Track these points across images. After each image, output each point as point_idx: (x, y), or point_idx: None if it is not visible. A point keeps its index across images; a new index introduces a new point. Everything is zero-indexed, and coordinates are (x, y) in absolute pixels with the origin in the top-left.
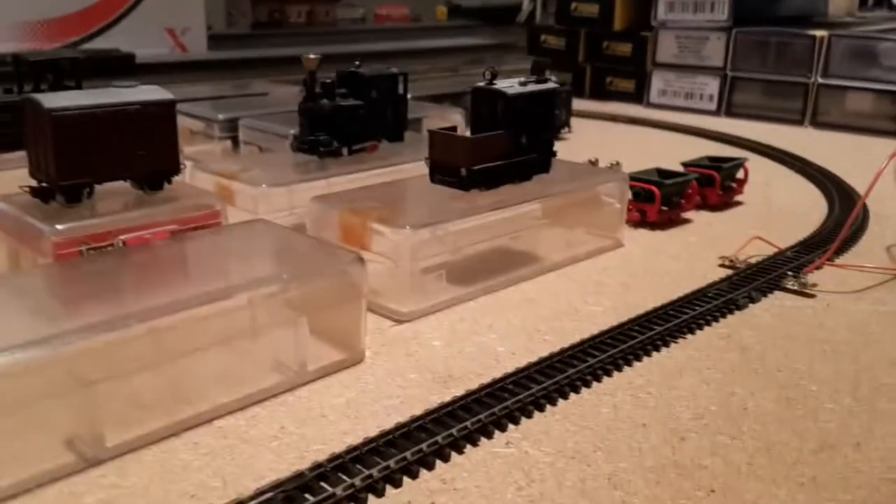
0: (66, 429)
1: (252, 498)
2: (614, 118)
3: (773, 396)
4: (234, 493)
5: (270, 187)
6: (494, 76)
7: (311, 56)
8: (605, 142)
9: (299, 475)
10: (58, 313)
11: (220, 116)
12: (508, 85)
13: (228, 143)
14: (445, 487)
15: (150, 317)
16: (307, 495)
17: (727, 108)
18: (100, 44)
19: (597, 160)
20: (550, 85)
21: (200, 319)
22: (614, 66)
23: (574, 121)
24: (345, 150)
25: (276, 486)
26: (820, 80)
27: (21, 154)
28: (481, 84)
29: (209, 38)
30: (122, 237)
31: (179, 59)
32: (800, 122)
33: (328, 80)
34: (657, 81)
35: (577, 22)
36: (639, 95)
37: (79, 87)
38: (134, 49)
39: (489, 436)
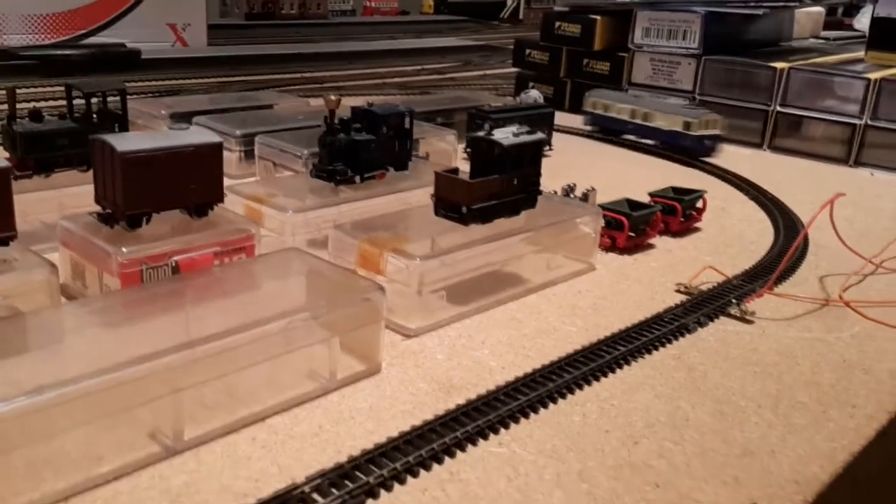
0: (152, 425)
1: (306, 483)
2: (591, 135)
3: (710, 410)
4: (289, 478)
5: (296, 213)
6: (493, 128)
7: (332, 97)
8: (583, 162)
9: (340, 466)
10: (141, 335)
11: (238, 132)
12: (504, 136)
13: (241, 154)
14: (452, 478)
15: (216, 339)
16: (347, 482)
17: None
18: (104, 37)
19: (574, 185)
20: (538, 136)
21: (253, 339)
22: (593, 82)
23: (555, 136)
24: (358, 178)
25: (322, 475)
26: (779, 108)
27: (70, 173)
28: (481, 134)
29: None
30: (174, 258)
31: (181, 54)
32: (759, 146)
33: (345, 118)
34: None
35: (560, 40)
36: None
37: (125, 113)
38: (137, 43)
39: (486, 437)
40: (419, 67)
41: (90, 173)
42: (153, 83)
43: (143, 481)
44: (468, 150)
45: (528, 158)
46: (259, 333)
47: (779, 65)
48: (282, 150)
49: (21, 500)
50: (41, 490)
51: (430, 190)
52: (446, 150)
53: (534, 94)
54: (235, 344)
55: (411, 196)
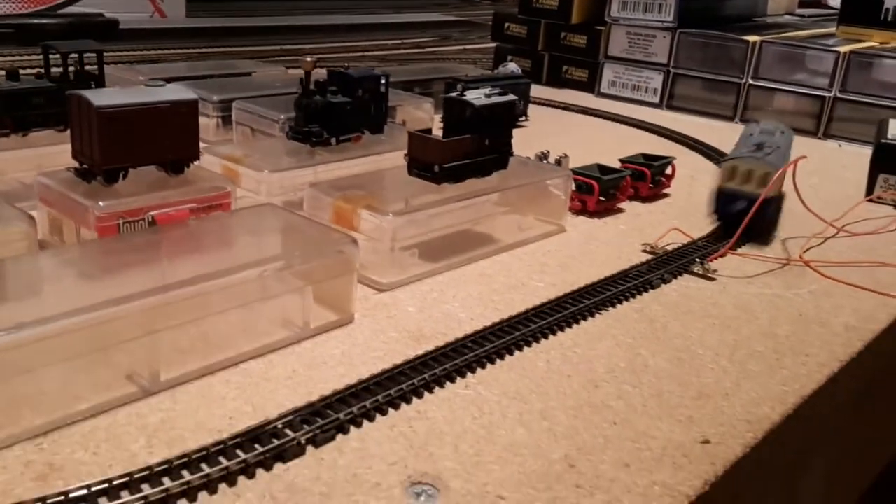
0: (129, 367)
1: (278, 419)
2: (567, 107)
3: (669, 358)
4: (263, 416)
5: (272, 172)
6: (465, 89)
7: (308, 59)
8: (558, 131)
9: (311, 404)
10: (118, 280)
11: (216, 98)
12: (476, 96)
13: (219, 120)
14: (420, 416)
15: (191, 283)
16: (318, 418)
17: (668, 101)
18: (82, 7)
19: (548, 152)
20: (510, 97)
21: (228, 286)
22: (570, 56)
23: (531, 108)
24: (333, 140)
25: (294, 412)
26: (751, 81)
27: (47, 133)
28: (454, 95)
29: None
30: (151, 213)
31: (160, 24)
32: (731, 118)
33: (321, 80)
34: (608, 73)
35: (538, 13)
36: (591, 85)
37: (101, 74)
38: (115, 13)
39: (453, 380)
40: (399, 41)
41: (67, 133)
42: (130, 53)
43: (120, 419)
44: (444, 118)
45: (500, 120)
46: (234, 280)
47: (751, 38)
48: (259, 115)
49: (1, 435)
50: (21, 425)
51: (405, 153)
52: (423, 119)
53: (511, 67)
54: (210, 289)
55: (386, 159)
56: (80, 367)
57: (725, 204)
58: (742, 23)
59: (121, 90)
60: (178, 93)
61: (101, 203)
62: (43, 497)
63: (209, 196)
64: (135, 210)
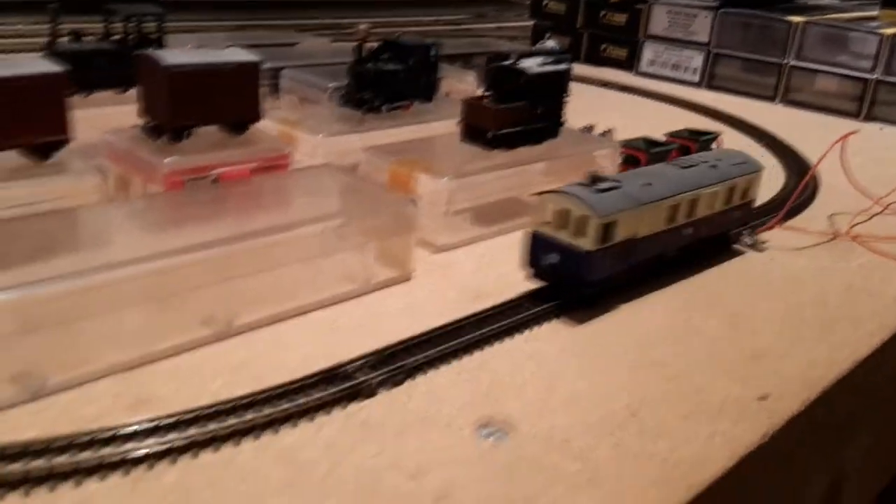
0: (204, 312)
1: (349, 363)
2: (606, 84)
3: (721, 322)
4: (334, 360)
5: (327, 136)
6: (519, 58)
7: (362, 27)
8: (598, 107)
9: (379, 351)
10: (189, 231)
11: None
12: (529, 65)
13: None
14: (483, 367)
15: (261, 235)
16: (386, 364)
17: (708, 80)
18: None
19: (592, 126)
20: (563, 66)
21: (295, 239)
22: (609, 34)
23: (571, 84)
24: (384, 108)
25: (363, 357)
26: (793, 62)
27: (107, 94)
28: (507, 63)
29: None
30: (215, 171)
31: None
32: (772, 99)
33: (374, 48)
34: (648, 52)
35: None
36: (629, 63)
37: (160, 42)
38: None
39: (512, 336)
40: (434, 18)
41: (127, 94)
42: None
43: (198, 359)
44: (487, 91)
45: (553, 88)
46: (301, 234)
47: (795, 18)
48: (308, 83)
49: (88, 369)
50: (108, 361)
51: (453, 123)
52: (466, 91)
53: (550, 44)
54: (279, 242)
55: (435, 127)
56: (160, 309)
57: (536, 252)
58: (783, 4)
59: (187, 51)
60: (241, 55)
61: (169, 160)
62: (137, 422)
63: (269, 157)
64: (200, 167)
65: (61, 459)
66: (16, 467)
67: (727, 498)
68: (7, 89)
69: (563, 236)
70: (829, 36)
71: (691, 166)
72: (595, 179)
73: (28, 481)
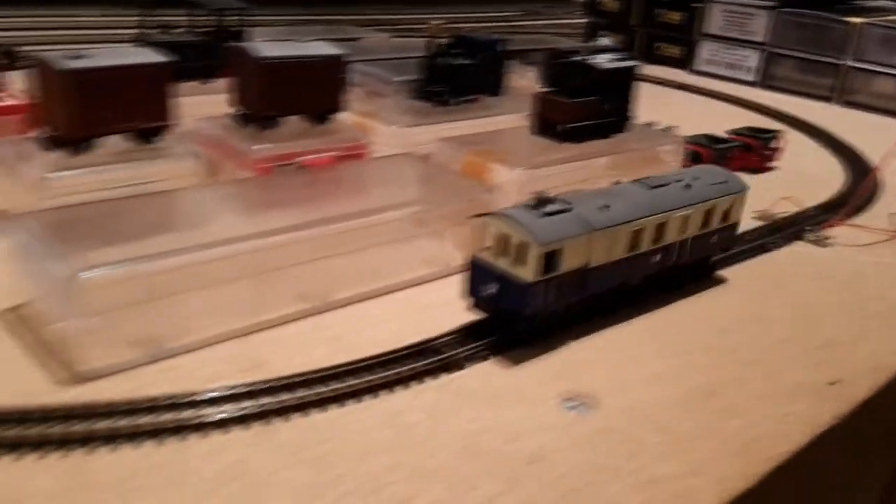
0: (301, 287)
1: (438, 338)
2: (662, 82)
3: (791, 312)
4: (423, 335)
5: (402, 127)
6: (586, 54)
7: (435, 23)
8: (655, 105)
9: (465, 328)
10: (283, 212)
11: None
12: (600, 61)
13: None
14: (566, 347)
15: (347, 218)
16: (472, 340)
17: (764, 80)
18: None
19: (653, 123)
20: (631, 62)
21: (381, 222)
22: (664, 32)
23: None
24: (453, 101)
25: (450, 333)
26: (851, 63)
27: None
28: (579, 58)
29: None
30: (300, 158)
31: None
32: (828, 99)
33: (447, 43)
34: (703, 51)
35: None
36: (683, 62)
37: (243, 31)
38: None
39: (591, 319)
40: (484, 14)
41: (209, 85)
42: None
43: (299, 330)
44: (547, 87)
45: (622, 83)
46: (384, 218)
47: (853, 19)
48: (376, 77)
49: (203, 336)
50: (218, 329)
51: (517, 117)
52: (526, 86)
53: (605, 42)
54: (364, 225)
55: (500, 121)
56: (261, 284)
57: (476, 280)
58: (841, 4)
59: (276, 43)
60: (326, 48)
61: (259, 147)
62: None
63: (350, 146)
64: (287, 155)
65: (187, 413)
66: (146, 419)
67: (798, 474)
68: (119, 77)
69: (503, 264)
70: (889, 37)
71: (661, 186)
72: (542, 201)
73: (162, 432)
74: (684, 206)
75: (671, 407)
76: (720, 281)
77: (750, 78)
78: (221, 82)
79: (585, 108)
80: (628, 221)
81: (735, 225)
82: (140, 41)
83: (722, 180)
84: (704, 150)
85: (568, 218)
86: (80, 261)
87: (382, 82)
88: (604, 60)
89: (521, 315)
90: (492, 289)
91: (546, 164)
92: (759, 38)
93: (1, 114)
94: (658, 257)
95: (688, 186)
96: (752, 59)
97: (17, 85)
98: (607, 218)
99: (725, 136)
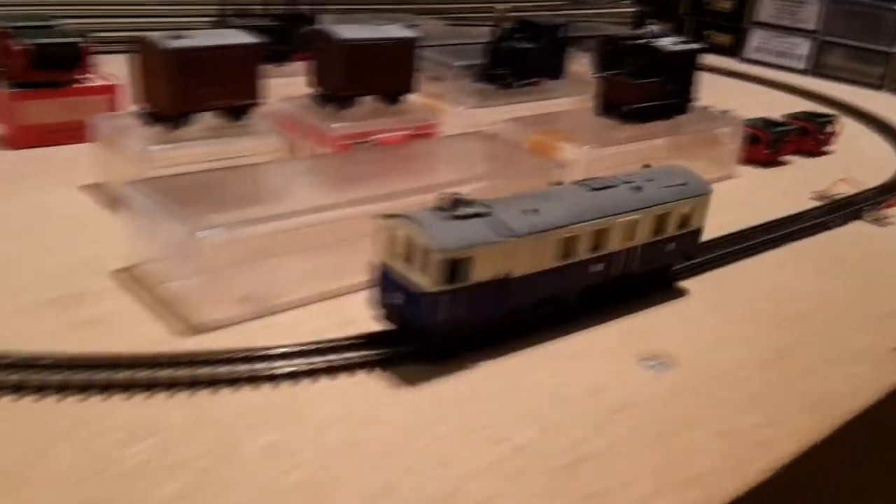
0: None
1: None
2: (713, 70)
3: (852, 286)
4: None
5: (467, 108)
6: (655, 37)
7: (500, 7)
8: (707, 91)
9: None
10: (363, 185)
11: None
12: (664, 44)
13: None
14: (637, 314)
15: (426, 191)
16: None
17: (814, 68)
18: None
19: (709, 107)
20: (695, 45)
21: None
22: (714, 20)
23: None
24: (515, 84)
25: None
26: None
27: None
28: (644, 41)
29: None
30: (375, 136)
31: None
32: (879, 87)
33: (511, 27)
34: (754, 39)
35: None
36: (732, 50)
37: (313, 20)
38: None
39: (658, 288)
40: (530, 3)
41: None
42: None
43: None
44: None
45: (685, 66)
46: (461, 190)
47: None
48: (437, 62)
49: (293, 297)
50: (308, 291)
51: (577, 99)
52: (582, 71)
53: (654, 30)
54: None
55: (561, 103)
56: (349, 249)
57: (385, 288)
58: None
59: (354, 26)
60: (399, 31)
61: (337, 125)
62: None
63: (421, 125)
64: (363, 133)
65: (297, 361)
66: (262, 365)
67: (865, 432)
68: (217, 57)
69: (407, 271)
70: None
71: (606, 188)
72: (457, 203)
73: (278, 377)
74: (631, 211)
75: (746, 367)
76: (780, 255)
77: (800, 66)
78: (295, 65)
79: (650, 89)
80: (558, 227)
81: (698, 231)
82: (219, 27)
83: (681, 182)
84: (762, 132)
85: (482, 223)
86: (197, 222)
87: (444, 66)
88: (668, 43)
89: (425, 328)
90: (398, 298)
91: (611, 142)
92: (810, 27)
93: (93, 93)
94: (600, 267)
95: (637, 189)
96: (803, 47)
97: (106, 68)
98: (532, 223)
99: (782, 119)
